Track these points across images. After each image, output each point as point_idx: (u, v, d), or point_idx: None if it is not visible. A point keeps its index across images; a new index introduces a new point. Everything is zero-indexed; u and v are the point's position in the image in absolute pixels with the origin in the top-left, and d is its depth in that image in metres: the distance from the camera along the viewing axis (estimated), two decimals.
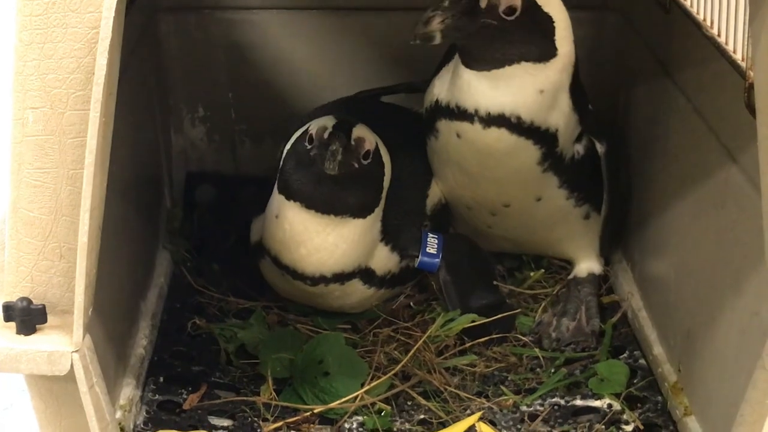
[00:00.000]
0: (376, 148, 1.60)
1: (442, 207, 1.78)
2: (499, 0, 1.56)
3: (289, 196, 1.59)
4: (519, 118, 1.59)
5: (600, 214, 1.77)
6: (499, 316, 1.70)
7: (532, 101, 1.60)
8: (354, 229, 1.60)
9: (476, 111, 1.60)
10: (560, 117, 1.64)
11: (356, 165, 1.55)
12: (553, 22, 1.60)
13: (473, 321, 1.67)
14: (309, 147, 1.57)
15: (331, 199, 1.57)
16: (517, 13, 1.57)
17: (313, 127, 1.58)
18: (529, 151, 1.63)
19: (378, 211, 1.64)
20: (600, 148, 1.72)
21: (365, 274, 1.66)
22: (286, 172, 1.60)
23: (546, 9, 1.60)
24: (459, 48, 1.60)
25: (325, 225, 1.58)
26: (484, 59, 1.58)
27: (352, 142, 1.55)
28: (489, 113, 1.59)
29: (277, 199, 1.61)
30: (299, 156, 1.59)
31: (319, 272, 1.61)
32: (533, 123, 1.60)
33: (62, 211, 1.14)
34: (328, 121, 1.58)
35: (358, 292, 1.67)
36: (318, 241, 1.58)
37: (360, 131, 1.58)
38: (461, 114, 1.61)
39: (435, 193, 1.77)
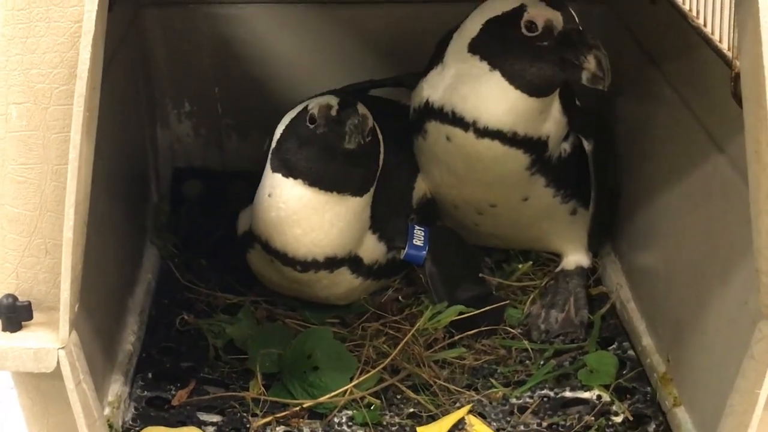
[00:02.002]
0: (374, 126, 1.60)
1: (428, 201, 1.78)
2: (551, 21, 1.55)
3: (289, 174, 1.57)
4: (515, 133, 1.59)
5: (587, 209, 1.77)
6: (488, 308, 1.69)
7: (532, 119, 1.59)
8: (350, 208, 1.59)
9: (474, 122, 1.59)
10: (552, 124, 1.63)
11: (362, 141, 1.55)
12: None
13: (461, 313, 1.67)
14: (313, 126, 1.56)
15: (340, 175, 1.56)
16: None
17: (314, 106, 1.57)
18: (518, 159, 1.62)
19: (370, 193, 1.63)
20: (587, 145, 1.71)
21: (354, 262, 1.65)
22: (286, 150, 1.58)
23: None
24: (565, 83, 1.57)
25: (324, 203, 1.57)
26: (549, 88, 1.57)
27: (358, 120, 1.55)
28: (487, 127, 1.58)
29: (270, 179, 1.59)
30: (301, 135, 1.57)
31: (312, 255, 1.59)
32: (527, 135, 1.60)
33: (47, 206, 1.13)
34: (330, 100, 1.57)
35: (345, 281, 1.67)
36: (315, 219, 1.57)
37: (363, 108, 1.58)
38: (456, 120, 1.60)
39: (421, 186, 1.77)
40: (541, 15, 1.55)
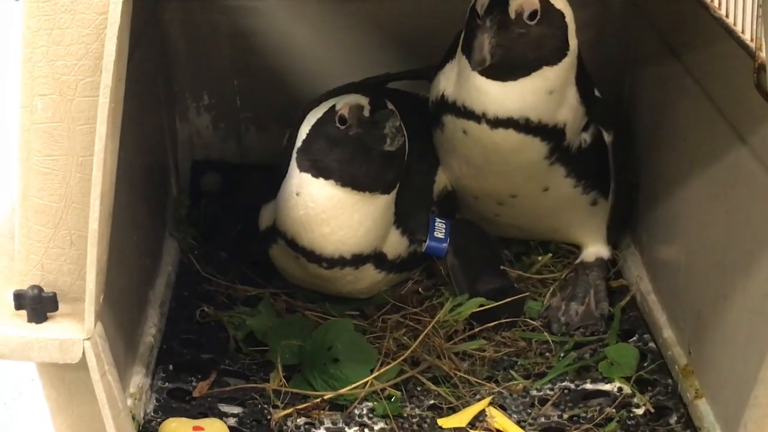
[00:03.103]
0: (401, 123, 1.59)
1: (449, 194, 1.78)
2: (522, 7, 1.55)
3: (319, 174, 1.56)
4: (527, 119, 1.59)
5: (607, 200, 1.76)
6: (508, 300, 1.69)
7: (542, 102, 1.59)
8: (379, 206, 1.59)
9: (484, 114, 1.59)
10: (568, 112, 1.63)
11: (402, 143, 1.56)
12: (565, 17, 1.59)
13: (481, 305, 1.67)
14: (344, 126, 1.56)
15: (375, 176, 1.56)
16: (538, 16, 1.56)
17: (342, 106, 1.57)
18: (536, 147, 1.62)
19: (396, 189, 1.63)
20: (607, 137, 1.71)
21: (378, 258, 1.66)
22: (316, 151, 1.57)
23: (558, 6, 1.59)
24: (495, 64, 1.55)
25: (355, 202, 1.57)
26: (512, 71, 1.56)
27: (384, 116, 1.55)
28: (497, 117, 1.58)
29: (297, 178, 1.59)
30: (331, 136, 1.57)
31: (339, 253, 1.59)
32: (541, 122, 1.60)
33: (72, 198, 1.14)
34: (360, 100, 1.57)
35: (369, 276, 1.67)
36: (344, 218, 1.56)
37: (391, 106, 1.58)
38: (468, 114, 1.61)
39: (441, 179, 1.77)
40: (480, 1, 1.56)
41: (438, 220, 1.71)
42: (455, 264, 1.70)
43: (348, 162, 1.56)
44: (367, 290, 1.71)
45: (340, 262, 1.61)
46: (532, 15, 1.56)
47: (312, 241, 1.59)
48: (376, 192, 1.58)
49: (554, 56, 1.58)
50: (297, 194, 1.58)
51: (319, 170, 1.57)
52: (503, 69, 1.56)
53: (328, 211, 1.56)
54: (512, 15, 1.55)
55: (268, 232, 1.69)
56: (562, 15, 1.59)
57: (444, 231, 1.70)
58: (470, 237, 1.76)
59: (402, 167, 1.62)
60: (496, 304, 1.67)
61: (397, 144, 1.52)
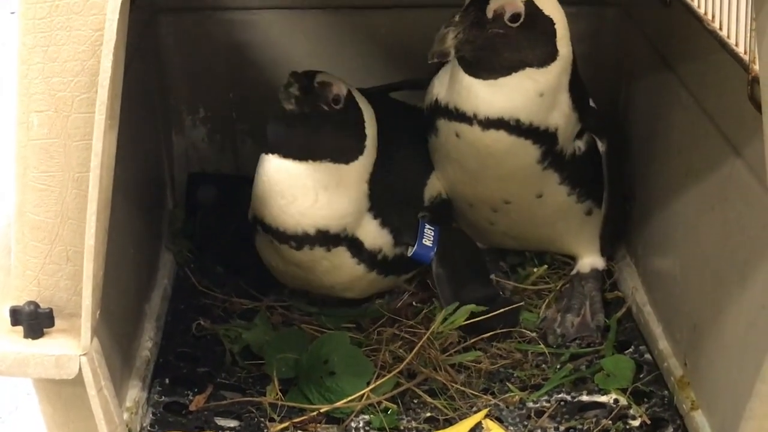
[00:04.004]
0: (350, 95, 1.62)
1: (443, 201, 1.78)
2: (503, 8, 1.57)
3: (267, 150, 1.61)
4: (518, 120, 1.60)
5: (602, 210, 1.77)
6: (501, 310, 1.69)
7: (532, 104, 1.60)
8: (333, 176, 1.60)
9: (475, 115, 1.60)
10: (560, 116, 1.64)
11: (325, 107, 1.58)
12: (554, 24, 1.61)
13: (473, 313, 1.66)
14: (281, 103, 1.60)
15: (304, 143, 1.59)
16: (521, 19, 1.57)
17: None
18: (528, 150, 1.63)
19: (362, 164, 1.64)
20: (601, 146, 1.72)
21: (352, 243, 1.65)
22: (267, 133, 1.63)
23: (547, 12, 1.60)
24: (467, 59, 1.59)
25: (303, 171, 1.59)
26: (490, 68, 1.58)
27: (315, 84, 1.58)
28: (488, 117, 1.60)
29: (260, 160, 1.63)
30: (274, 115, 1.62)
31: (301, 227, 1.60)
32: (532, 124, 1.61)
33: (68, 214, 1.14)
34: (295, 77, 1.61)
35: (347, 266, 1.67)
36: (297, 188, 1.59)
37: (325, 77, 1.61)
38: (460, 116, 1.62)
39: (435, 185, 1.77)
40: (465, 3, 1.58)
41: (427, 226, 1.72)
42: (440, 273, 1.70)
43: (278, 134, 1.60)
44: (350, 285, 1.71)
45: (306, 239, 1.61)
46: (514, 17, 1.57)
47: (274, 218, 1.61)
48: (323, 161, 1.59)
49: (539, 59, 1.59)
50: (258, 175, 1.63)
51: (269, 148, 1.61)
52: (482, 66, 1.57)
53: (281, 182, 1.59)
54: (489, 14, 1.57)
55: (252, 222, 1.71)
56: (551, 21, 1.60)
57: (432, 239, 1.70)
58: (457, 245, 1.76)
59: (350, 138, 1.63)
60: (490, 315, 1.67)
61: (288, 102, 1.54)
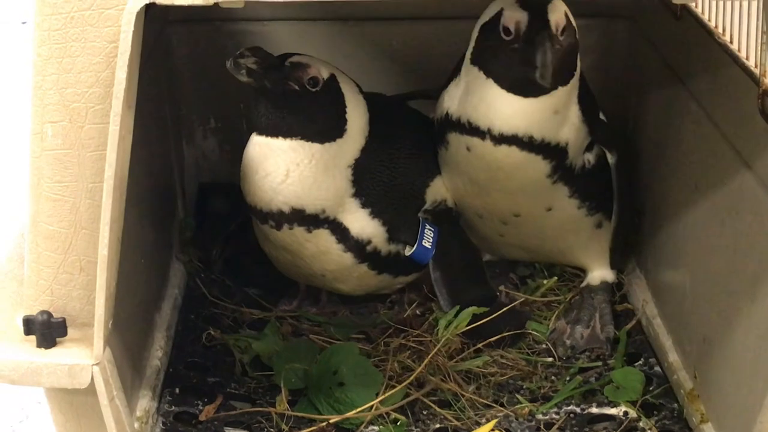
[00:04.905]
0: (333, 80, 1.64)
1: (446, 209, 1.78)
2: (558, 23, 1.54)
3: (249, 129, 1.64)
4: (531, 137, 1.60)
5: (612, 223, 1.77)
6: (503, 310, 1.69)
7: (546, 121, 1.60)
8: (306, 155, 1.61)
9: (489, 130, 1.60)
10: (570, 130, 1.64)
11: (296, 87, 1.60)
12: (577, 35, 1.59)
13: (475, 316, 1.65)
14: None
15: (277, 120, 1.61)
16: (565, 32, 1.55)
17: None
18: (538, 165, 1.63)
19: (341, 148, 1.65)
20: (611, 159, 1.72)
21: (335, 227, 1.66)
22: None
23: (574, 24, 1.58)
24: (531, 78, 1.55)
25: (276, 147, 1.61)
26: (539, 87, 1.55)
27: (286, 64, 1.60)
28: (502, 133, 1.59)
29: None
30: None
31: (276, 204, 1.61)
32: (544, 140, 1.61)
33: (81, 224, 1.15)
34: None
35: (333, 251, 1.67)
36: (270, 163, 1.61)
37: (303, 59, 1.63)
38: (473, 130, 1.62)
39: (439, 189, 1.77)
40: (511, 18, 1.57)
41: (428, 227, 1.72)
42: (438, 276, 1.71)
43: (259, 112, 1.62)
44: (340, 275, 1.70)
45: (282, 217, 1.62)
46: (563, 31, 1.56)
47: (251, 195, 1.63)
48: (296, 138, 1.61)
49: (568, 74, 1.59)
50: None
51: (252, 126, 1.64)
52: (533, 85, 1.55)
53: (255, 158, 1.62)
54: (554, 30, 1.55)
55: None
56: (575, 32, 1.60)
57: (431, 241, 1.70)
58: (455, 246, 1.77)
59: (326, 119, 1.64)
60: (492, 316, 1.66)
61: (240, 74, 1.56)
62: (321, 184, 1.63)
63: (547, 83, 1.53)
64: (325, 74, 1.64)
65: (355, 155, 1.67)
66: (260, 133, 1.62)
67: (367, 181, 1.68)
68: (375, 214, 1.69)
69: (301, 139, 1.61)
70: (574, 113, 1.64)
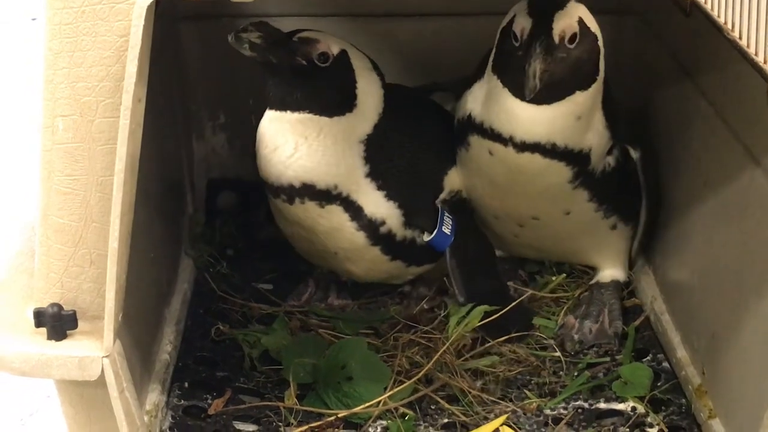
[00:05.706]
0: (343, 54, 1.64)
1: (462, 200, 1.78)
2: (564, 31, 1.53)
3: (260, 119, 1.65)
4: (554, 144, 1.58)
5: (627, 224, 1.77)
6: (511, 305, 1.68)
7: (569, 128, 1.59)
8: (314, 127, 1.62)
9: (511, 137, 1.59)
10: (594, 136, 1.63)
11: (303, 62, 1.60)
12: (598, 40, 1.58)
13: (486, 313, 1.66)
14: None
15: (282, 94, 1.62)
16: (577, 39, 1.54)
17: None
18: (561, 171, 1.62)
19: (351, 123, 1.65)
20: (634, 153, 1.71)
21: (348, 204, 1.65)
22: None
23: (593, 28, 1.57)
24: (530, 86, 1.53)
25: (286, 121, 1.62)
26: (548, 95, 1.54)
27: (295, 40, 1.61)
28: (524, 141, 1.58)
29: None
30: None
31: (285, 177, 1.62)
32: (567, 147, 1.60)
33: (92, 217, 1.15)
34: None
35: (346, 229, 1.67)
36: (279, 137, 1.62)
37: (309, 34, 1.64)
38: (495, 136, 1.61)
39: (454, 179, 1.76)
40: (518, 24, 1.56)
41: (446, 215, 1.72)
42: (454, 264, 1.71)
43: (270, 86, 1.63)
44: (353, 255, 1.70)
45: (293, 191, 1.62)
46: (572, 38, 1.54)
47: (263, 169, 1.64)
48: (304, 111, 1.62)
49: (586, 80, 1.57)
50: None
51: (267, 102, 1.65)
52: (541, 93, 1.53)
53: (267, 132, 1.63)
54: (556, 39, 1.53)
55: None
56: (595, 38, 1.58)
57: (451, 228, 1.71)
58: (470, 236, 1.77)
59: (334, 94, 1.64)
60: (502, 312, 1.66)
61: (244, 49, 1.57)
62: (330, 158, 1.63)
63: (529, 94, 1.51)
64: (335, 50, 1.64)
65: (367, 131, 1.67)
66: (271, 107, 1.64)
67: (385, 164, 1.68)
68: (390, 197, 1.69)
69: (309, 112, 1.62)
70: (598, 118, 1.63)
